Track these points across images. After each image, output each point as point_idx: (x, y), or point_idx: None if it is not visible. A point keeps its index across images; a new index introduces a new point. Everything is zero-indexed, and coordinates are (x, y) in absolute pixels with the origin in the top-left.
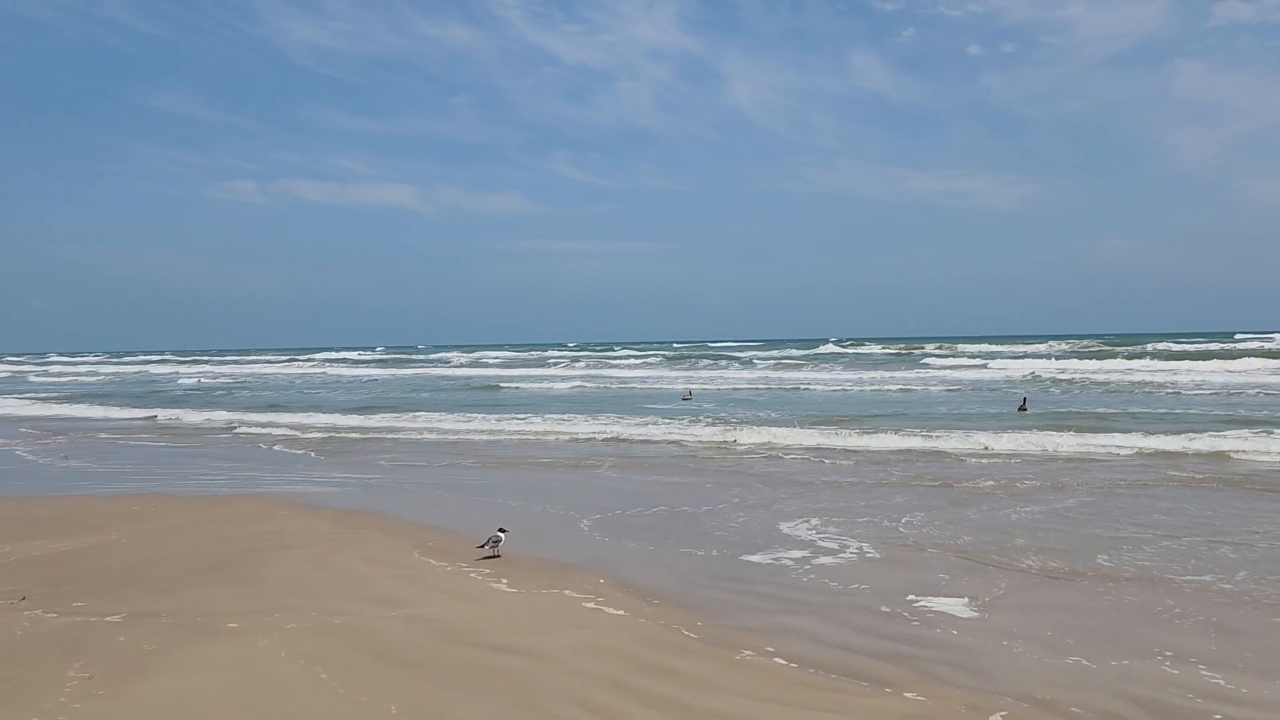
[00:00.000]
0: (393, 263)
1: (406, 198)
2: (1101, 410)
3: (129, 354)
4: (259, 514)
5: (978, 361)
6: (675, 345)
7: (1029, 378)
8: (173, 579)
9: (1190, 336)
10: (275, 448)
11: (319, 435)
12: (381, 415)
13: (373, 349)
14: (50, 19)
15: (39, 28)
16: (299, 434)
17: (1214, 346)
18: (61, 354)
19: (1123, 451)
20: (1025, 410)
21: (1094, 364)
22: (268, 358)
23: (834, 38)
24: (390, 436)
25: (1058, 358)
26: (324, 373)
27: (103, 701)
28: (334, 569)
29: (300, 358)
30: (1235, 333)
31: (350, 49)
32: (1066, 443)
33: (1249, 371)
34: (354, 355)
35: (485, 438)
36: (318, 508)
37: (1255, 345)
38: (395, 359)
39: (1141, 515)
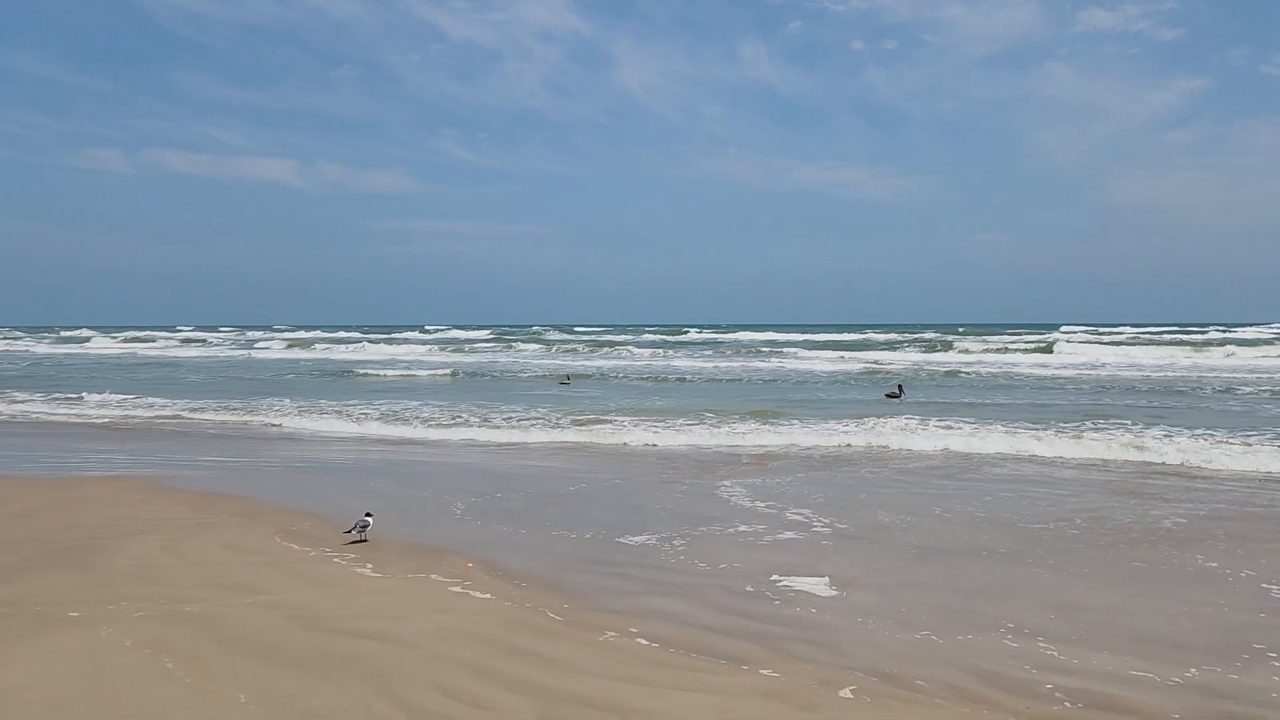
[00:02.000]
0: (268, 239)
1: (285, 172)
2: (970, 400)
3: None
4: (110, 498)
5: (856, 351)
6: (534, 328)
7: (889, 369)
8: (10, 568)
9: (1028, 327)
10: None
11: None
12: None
13: (216, 328)
14: None
15: None
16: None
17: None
18: None
19: (987, 440)
20: (899, 397)
21: (960, 355)
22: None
23: (724, 26)
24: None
25: (908, 348)
26: (132, 352)
27: None
28: (188, 555)
29: (145, 336)
30: (1061, 324)
31: (224, 15)
32: (938, 433)
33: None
34: (198, 335)
35: (342, 438)
36: (175, 491)
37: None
38: (243, 339)
39: (1012, 501)
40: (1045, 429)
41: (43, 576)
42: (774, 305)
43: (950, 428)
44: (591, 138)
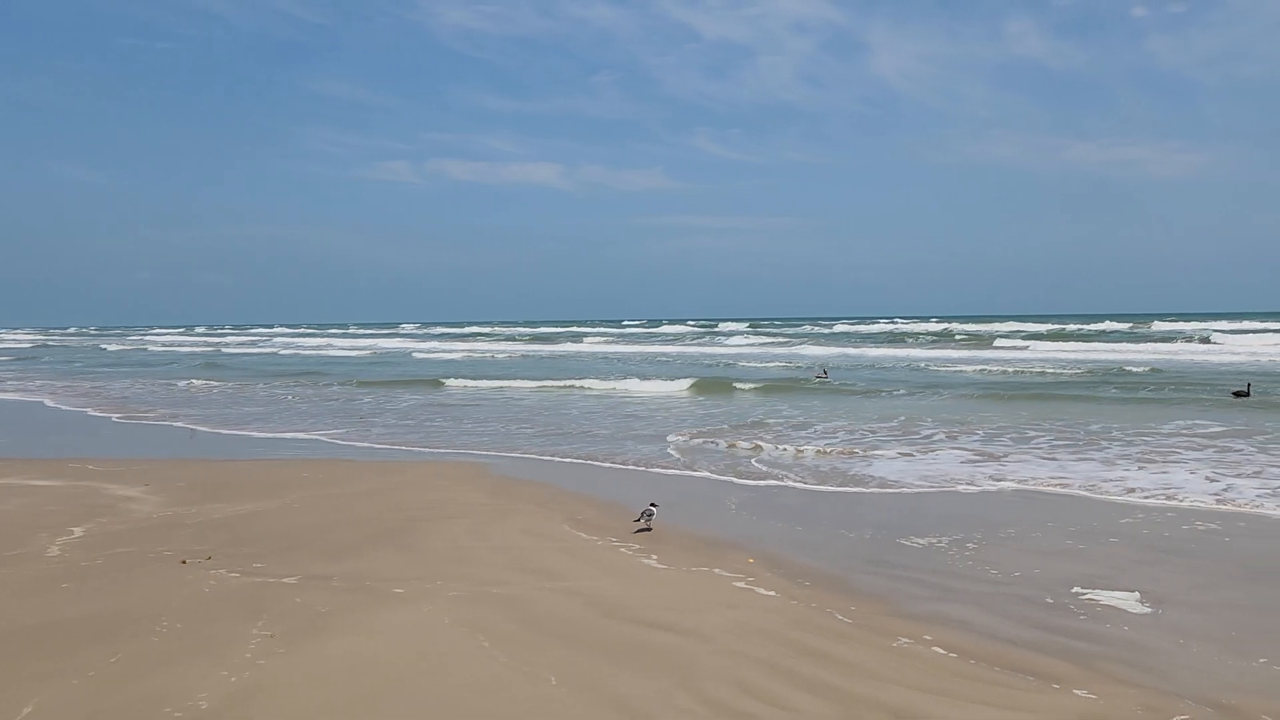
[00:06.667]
0: (539, 241)
1: (551, 176)
2: None
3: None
4: (419, 483)
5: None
6: (788, 320)
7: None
8: (343, 544)
9: None
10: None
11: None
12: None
13: (462, 325)
14: (225, 10)
15: (215, 19)
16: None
17: None
18: (237, 327)
19: None
20: (1247, 395)
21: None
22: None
23: (986, 4)
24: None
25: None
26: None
27: (283, 659)
28: (492, 540)
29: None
30: None
31: (497, 30)
32: None
33: None
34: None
35: None
36: (478, 477)
37: None
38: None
39: None
40: None
41: (370, 554)
42: (1039, 294)
43: None
44: (846, 128)
